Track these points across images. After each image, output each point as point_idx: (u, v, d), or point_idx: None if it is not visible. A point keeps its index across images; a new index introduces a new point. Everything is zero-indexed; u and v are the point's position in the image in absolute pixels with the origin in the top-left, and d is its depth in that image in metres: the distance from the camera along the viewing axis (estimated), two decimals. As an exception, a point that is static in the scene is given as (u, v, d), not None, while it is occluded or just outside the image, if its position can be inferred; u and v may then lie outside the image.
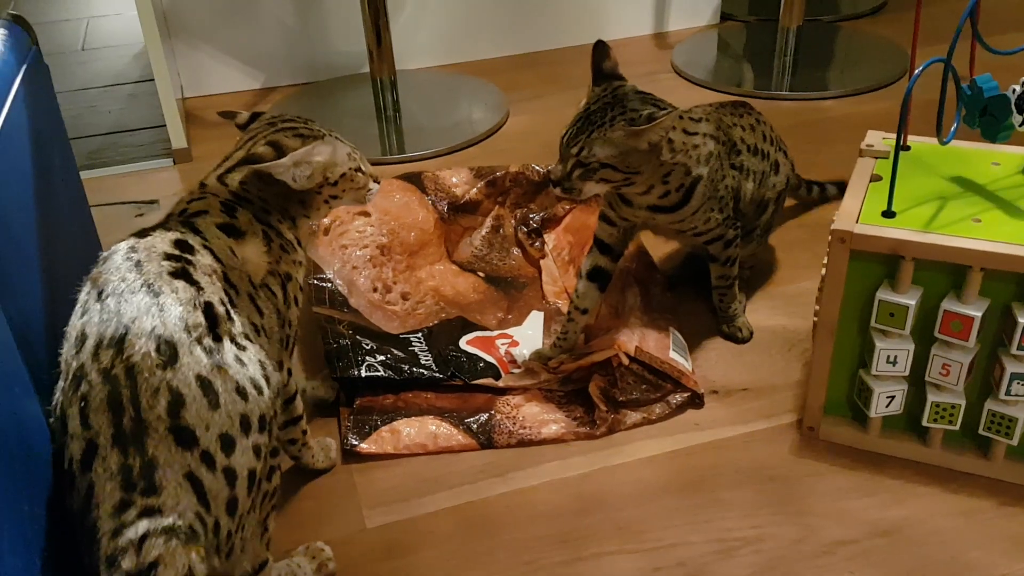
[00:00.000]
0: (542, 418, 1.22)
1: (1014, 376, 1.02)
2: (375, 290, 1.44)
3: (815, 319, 1.14)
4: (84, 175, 1.21)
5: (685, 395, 1.24)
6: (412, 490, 1.14)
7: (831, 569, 1.01)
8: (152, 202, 1.82)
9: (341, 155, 1.02)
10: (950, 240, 1.02)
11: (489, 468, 1.17)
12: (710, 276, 1.34)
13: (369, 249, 1.48)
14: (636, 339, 1.24)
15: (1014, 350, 1.01)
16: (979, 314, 1.01)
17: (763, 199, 1.33)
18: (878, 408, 1.11)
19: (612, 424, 1.21)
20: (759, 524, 1.07)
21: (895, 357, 1.07)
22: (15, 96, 0.92)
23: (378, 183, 1.08)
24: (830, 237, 1.06)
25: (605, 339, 1.26)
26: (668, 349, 1.26)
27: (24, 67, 0.97)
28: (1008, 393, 1.04)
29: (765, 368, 1.31)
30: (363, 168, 1.06)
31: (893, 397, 1.10)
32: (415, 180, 1.63)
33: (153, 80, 1.90)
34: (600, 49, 1.17)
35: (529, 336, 1.39)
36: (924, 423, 1.10)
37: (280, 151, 0.97)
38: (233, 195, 0.96)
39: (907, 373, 1.09)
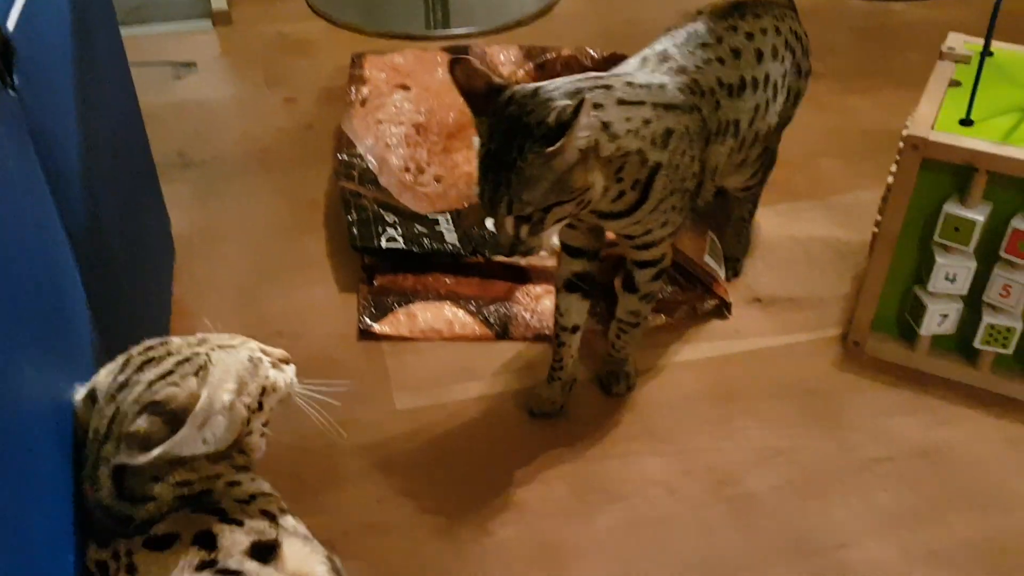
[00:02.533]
0: None
1: (1080, 304, 0.98)
2: (407, 170, 1.40)
3: (875, 230, 1.09)
4: (122, 32, 1.16)
5: (713, 303, 1.20)
6: (442, 377, 1.13)
7: (865, 486, 1.00)
8: (190, 64, 1.77)
9: (242, 370, 0.70)
10: (1031, 156, 0.95)
11: (520, 361, 1.15)
12: (616, 309, 1.06)
13: (405, 127, 1.43)
14: None
15: (1084, 277, 0.97)
16: (1052, 236, 0.96)
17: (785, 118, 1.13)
18: (930, 326, 1.07)
19: None
20: (794, 436, 1.05)
21: (955, 274, 1.03)
22: (52, -61, 0.86)
23: (290, 364, 0.76)
24: (901, 144, 1.00)
25: None
26: (703, 252, 1.22)
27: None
28: (1070, 321, 0.99)
29: (813, 279, 1.26)
30: (266, 358, 0.73)
31: (947, 316, 1.06)
32: (461, 54, 1.56)
33: (194, -64, 1.82)
34: (459, 67, 0.85)
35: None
36: (976, 345, 1.06)
37: (171, 416, 0.65)
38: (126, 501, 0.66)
39: (965, 292, 1.04)
